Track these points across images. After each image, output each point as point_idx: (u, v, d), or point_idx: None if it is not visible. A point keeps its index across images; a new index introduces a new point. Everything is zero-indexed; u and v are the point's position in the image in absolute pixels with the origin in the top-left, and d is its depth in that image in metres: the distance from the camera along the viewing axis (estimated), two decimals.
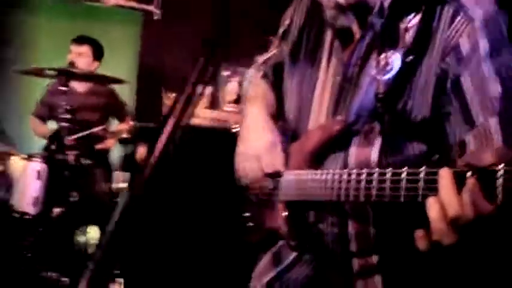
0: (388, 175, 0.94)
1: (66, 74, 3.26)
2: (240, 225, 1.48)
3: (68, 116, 3.18)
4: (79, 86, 4.21)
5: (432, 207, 0.84)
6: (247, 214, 1.48)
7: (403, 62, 1.14)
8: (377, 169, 0.98)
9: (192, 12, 4.86)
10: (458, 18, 1.11)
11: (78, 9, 5.08)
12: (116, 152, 4.22)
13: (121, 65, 5.25)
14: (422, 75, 1.13)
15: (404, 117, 1.14)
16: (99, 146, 4.12)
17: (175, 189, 2.68)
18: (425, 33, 1.14)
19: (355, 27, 1.24)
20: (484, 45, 1.09)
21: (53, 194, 3.16)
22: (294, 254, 1.38)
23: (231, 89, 3.06)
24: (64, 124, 3.19)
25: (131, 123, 4.00)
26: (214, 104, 3.14)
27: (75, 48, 4.19)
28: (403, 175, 0.91)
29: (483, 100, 1.07)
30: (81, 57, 4.14)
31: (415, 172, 0.88)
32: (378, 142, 1.17)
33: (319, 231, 1.27)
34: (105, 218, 2.96)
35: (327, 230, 1.25)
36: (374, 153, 1.17)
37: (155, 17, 4.98)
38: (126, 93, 4.91)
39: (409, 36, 1.15)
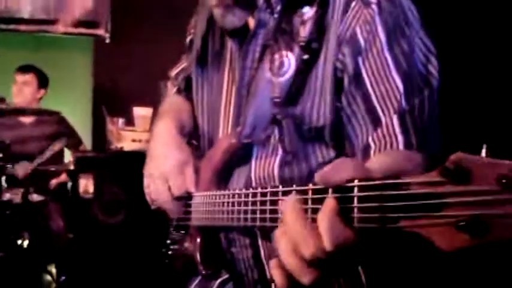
0: (268, 195, 0.81)
1: None
2: (163, 253, 1.35)
3: None
4: (24, 118, 4.06)
5: (280, 240, 0.66)
6: (168, 241, 1.34)
7: (299, 60, 1.02)
8: (259, 188, 0.85)
9: (143, 34, 4.76)
10: (353, 4, 0.98)
11: (28, 38, 4.97)
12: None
13: (76, 91, 5.13)
14: (319, 74, 1.01)
15: (304, 121, 1.02)
16: (53, 182, 3.95)
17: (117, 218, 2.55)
18: (321, 25, 1.01)
19: (252, 26, 1.11)
20: (383, 32, 0.96)
21: None
22: (217, 283, 1.25)
23: None
24: None
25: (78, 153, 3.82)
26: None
27: (20, 78, 4.08)
28: (280, 194, 0.77)
29: (385, 95, 0.94)
30: (26, 86, 4.04)
31: (290, 190, 0.74)
32: (279, 152, 1.05)
33: (233, 257, 1.14)
34: (62, 255, 2.81)
35: (240, 255, 1.13)
36: (275, 165, 1.04)
37: (105, 41, 4.91)
38: (82, 120, 4.78)
39: (305, 31, 1.03)
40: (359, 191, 0.61)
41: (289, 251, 0.64)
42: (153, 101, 3.57)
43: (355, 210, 0.61)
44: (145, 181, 1.27)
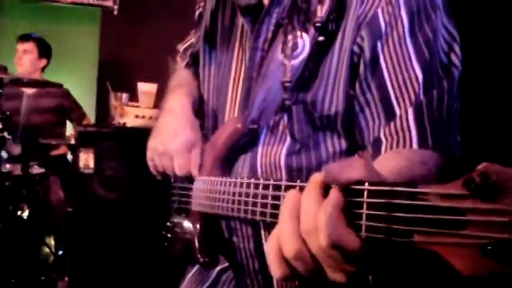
0: (270, 189, 0.75)
1: None
2: (162, 236, 1.31)
3: None
4: (27, 89, 4.00)
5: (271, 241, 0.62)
6: (168, 224, 1.30)
7: (314, 42, 0.95)
8: (261, 180, 0.79)
9: (151, 8, 4.68)
10: None
11: (35, 9, 4.90)
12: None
13: (81, 64, 5.09)
14: (335, 58, 0.94)
15: (316, 108, 0.95)
16: (54, 153, 3.92)
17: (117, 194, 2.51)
18: (339, 5, 0.94)
19: (266, 3, 1.03)
20: (406, 15, 0.89)
21: None
22: (215, 272, 1.21)
23: None
24: None
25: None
26: (162, 102, 2.91)
27: (20, 46, 4.05)
28: (282, 189, 0.71)
29: (402, 85, 0.87)
30: (26, 54, 4.02)
31: (293, 186, 0.68)
32: (287, 140, 0.99)
33: (233, 246, 1.09)
34: (61, 228, 2.78)
35: (241, 244, 1.08)
36: (282, 154, 0.99)
37: (114, 12, 4.83)
38: (86, 94, 4.73)
39: (322, 11, 0.95)
40: (369, 196, 0.54)
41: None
42: (159, 77, 3.53)
43: (364, 217, 0.54)
44: (148, 153, 1.22)
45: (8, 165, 3.14)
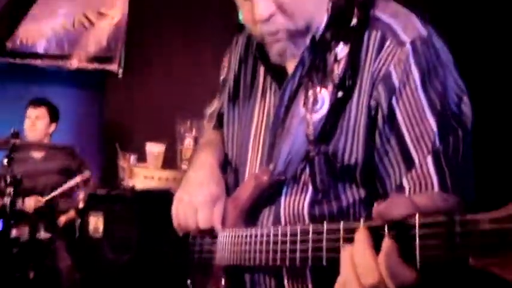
0: (310, 234, 0.81)
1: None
2: None
3: (10, 190, 2.93)
4: (36, 152, 4.05)
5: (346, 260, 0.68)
6: (189, 281, 1.28)
7: (334, 98, 1.02)
8: (298, 227, 0.85)
9: (155, 69, 4.77)
10: (387, 43, 0.99)
11: (42, 73, 5.00)
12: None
13: (88, 126, 5.12)
14: (353, 112, 1.00)
15: (337, 159, 1.01)
16: (62, 219, 3.88)
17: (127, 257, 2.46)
18: (354, 64, 1.01)
19: (291, 66, 1.09)
20: (417, 72, 0.96)
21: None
22: None
23: (186, 145, 2.84)
24: (7, 199, 2.94)
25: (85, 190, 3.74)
26: (170, 163, 2.92)
27: (32, 112, 4.10)
28: (324, 233, 0.77)
29: (419, 136, 0.94)
30: (39, 120, 4.08)
31: (335, 229, 0.74)
32: (309, 190, 1.03)
33: None
34: None
35: None
36: (306, 204, 1.03)
37: (118, 76, 4.92)
38: (93, 156, 4.74)
39: (338, 69, 1.03)
40: (421, 227, 0.60)
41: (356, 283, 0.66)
42: (166, 137, 3.56)
43: (417, 248, 0.60)
44: (174, 203, 1.23)
45: (14, 231, 3.11)
